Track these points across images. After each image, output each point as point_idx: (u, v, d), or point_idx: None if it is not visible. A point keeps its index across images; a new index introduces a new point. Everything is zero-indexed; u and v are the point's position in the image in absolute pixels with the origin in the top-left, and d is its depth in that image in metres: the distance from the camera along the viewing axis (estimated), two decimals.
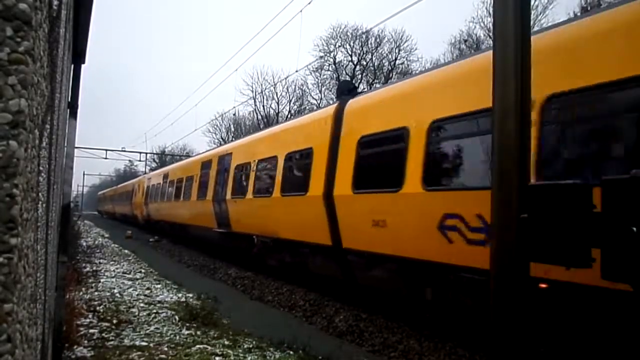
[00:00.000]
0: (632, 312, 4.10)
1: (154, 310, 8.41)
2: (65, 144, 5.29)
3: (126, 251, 19.72)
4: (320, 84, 45.88)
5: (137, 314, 8.11)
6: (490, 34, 26.81)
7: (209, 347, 6.26)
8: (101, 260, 15.81)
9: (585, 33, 5.00)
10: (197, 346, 6.28)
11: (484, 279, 4.70)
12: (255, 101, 49.72)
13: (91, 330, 6.78)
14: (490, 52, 3.50)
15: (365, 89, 29.59)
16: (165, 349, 6.11)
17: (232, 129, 54.38)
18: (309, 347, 6.58)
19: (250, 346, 6.54)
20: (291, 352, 6.43)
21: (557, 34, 5.35)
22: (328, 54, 43.62)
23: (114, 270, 13.55)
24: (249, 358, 6.03)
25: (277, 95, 49.47)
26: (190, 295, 10.20)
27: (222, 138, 53.89)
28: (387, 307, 8.51)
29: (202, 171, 18.01)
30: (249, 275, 13.03)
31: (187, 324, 7.55)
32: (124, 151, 51.51)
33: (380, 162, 7.95)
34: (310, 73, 45.03)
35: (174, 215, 22.25)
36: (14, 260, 0.93)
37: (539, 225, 3.01)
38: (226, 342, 6.64)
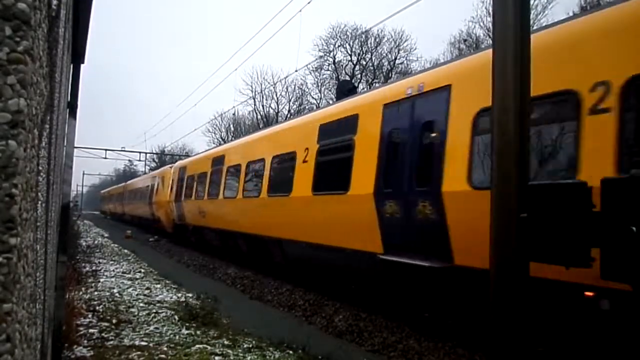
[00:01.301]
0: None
1: (154, 310, 8.41)
2: (65, 144, 5.28)
3: (126, 251, 19.70)
4: (319, 84, 45.96)
5: (136, 313, 8.11)
6: (490, 34, 26.82)
7: (209, 347, 6.26)
8: (101, 260, 15.80)
9: None
10: (197, 346, 6.28)
11: None
12: (254, 101, 49.76)
13: (91, 330, 6.78)
14: None
15: (365, 89, 29.45)
16: (165, 348, 6.11)
17: (232, 129, 54.40)
18: (308, 346, 6.58)
19: (250, 346, 6.54)
20: (291, 352, 6.42)
21: None
22: (327, 54, 43.68)
23: (113, 270, 13.54)
24: (249, 358, 6.03)
25: (276, 95, 49.54)
26: (190, 295, 10.20)
27: (221, 138, 53.90)
28: (387, 307, 8.51)
29: (325, 141, 9.51)
30: (249, 275, 13.03)
31: (187, 324, 7.55)
32: (124, 151, 51.54)
33: None
34: (310, 73, 45.12)
35: (241, 222, 13.51)
36: (13, 260, 0.93)
37: (539, 225, 3.02)
38: (226, 342, 6.64)
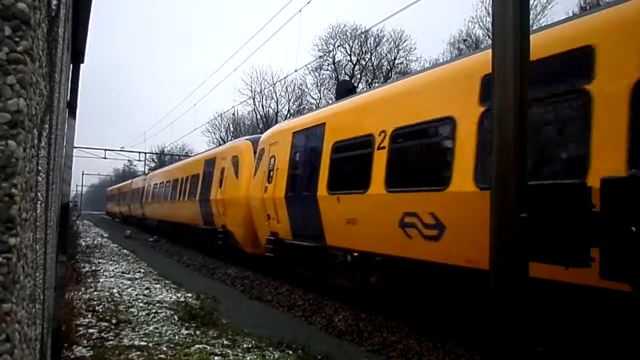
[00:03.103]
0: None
1: (153, 310, 8.40)
2: (64, 144, 5.28)
3: (125, 251, 19.69)
4: (319, 84, 45.93)
5: (136, 313, 8.10)
6: (490, 34, 26.83)
7: (208, 347, 6.26)
8: (100, 260, 15.79)
9: None
10: (196, 346, 6.28)
11: None
12: (254, 101, 49.72)
13: (90, 330, 6.77)
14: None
15: (364, 89, 29.45)
16: (165, 348, 6.10)
17: (232, 129, 54.38)
18: (308, 346, 6.58)
19: (250, 346, 6.54)
20: (290, 352, 6.42)
21: None
22: (327, 54, 43.64)
23: (113, 270, 13.53)
24: (248, 358, 6.03)
25: (276, 95, 49.51)
26: (190, 295, 10.20)
27: (221, 138, 53.88)
28: (387, 307, 8.51)
29: None
30: (248, 275, 13.03)
31: (186, 324, 7.54)
32: (123, 151, 51.42)
33: None
34: (310, 73, 45.07)
35: None
36: (13, 260, 0.93)
37: (538, 225, 3.02)
38: (225, 342, 6.64)
